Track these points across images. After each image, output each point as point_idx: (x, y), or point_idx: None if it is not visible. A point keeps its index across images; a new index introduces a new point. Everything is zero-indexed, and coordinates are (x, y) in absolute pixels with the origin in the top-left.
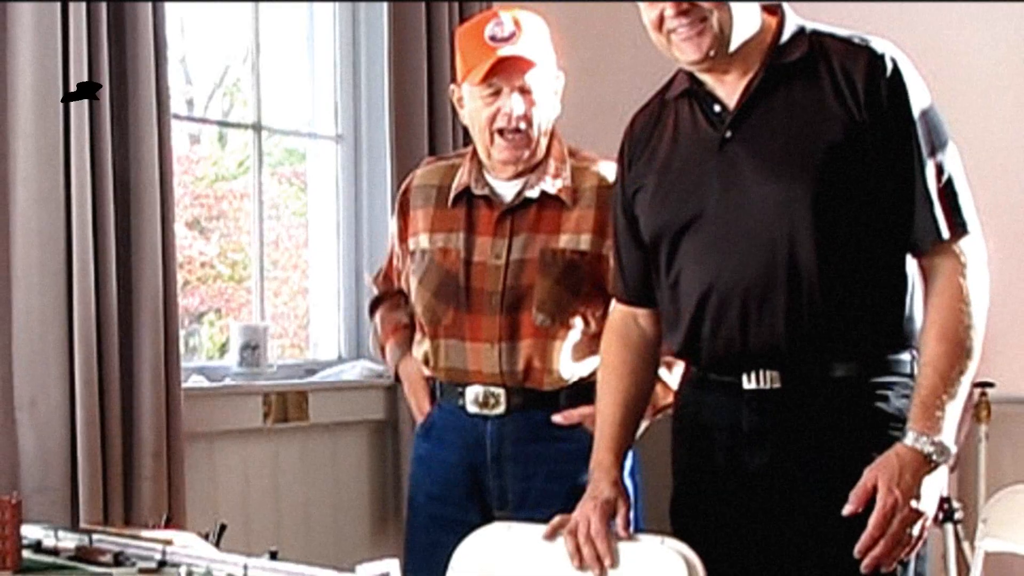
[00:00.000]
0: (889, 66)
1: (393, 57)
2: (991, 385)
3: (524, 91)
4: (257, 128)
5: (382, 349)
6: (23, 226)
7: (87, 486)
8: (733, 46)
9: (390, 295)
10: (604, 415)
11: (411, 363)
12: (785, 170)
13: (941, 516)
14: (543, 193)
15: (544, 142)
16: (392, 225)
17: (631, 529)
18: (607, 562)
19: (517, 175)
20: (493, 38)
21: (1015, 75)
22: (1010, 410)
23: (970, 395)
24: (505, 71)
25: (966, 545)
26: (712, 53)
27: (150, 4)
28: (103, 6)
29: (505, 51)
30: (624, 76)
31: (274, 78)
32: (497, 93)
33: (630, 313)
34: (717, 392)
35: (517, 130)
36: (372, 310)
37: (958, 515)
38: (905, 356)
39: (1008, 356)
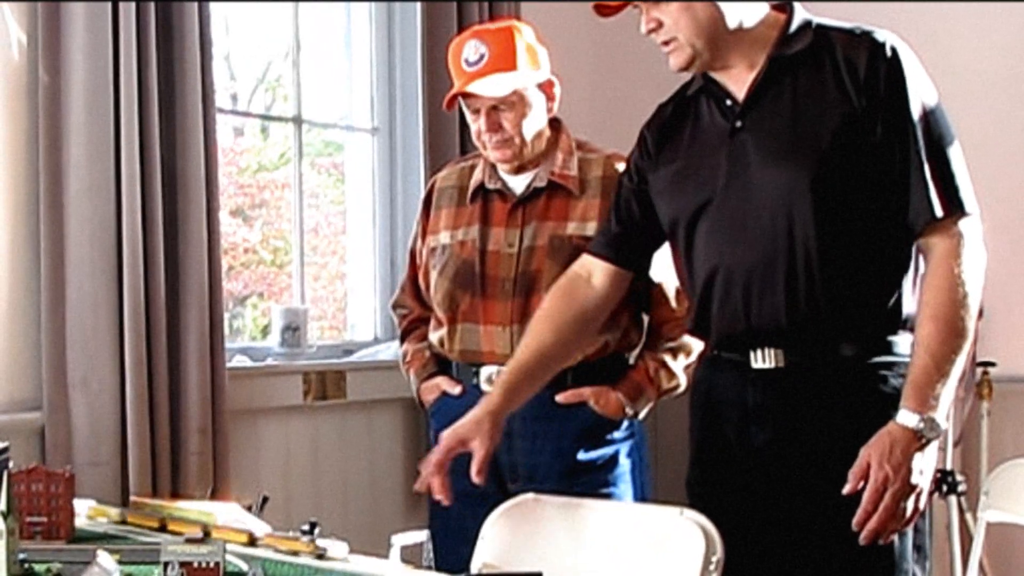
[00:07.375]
0: (889, 53)
1: (426, 54)
2: (993, 364)
3: (497, 108)
4: (297, 121)
5: (407, 371)
6: (76, 214)
7: (136, 460)
8: (711, 57)
9: (415, 325)
10: (516, 358)
11: (428, 384)
12: (787, 156)
13: (944, 489)
14: (552, 183)
15: (537, 143)
16: (416, 225)
17: (482, 477)
18: (417, 486)
19: (524, 169)
20: (467, 61)
21: (1013, 71)
22: (1011, 388)
23: (972, 374)
24: (473, 95)
25: (969, 516)
26: (689, 66)
27: (196, 4)
28: (152, 6)
29: (471, 86)
30: (639, 74)
31: (314, 74)
32: (477, 111)
33: (585, 268)
34: (727, 370)
35: (503, 141)
36: (402, 339)
37: (961, 487)
38: (906, 337)
39: (1009, 337)
